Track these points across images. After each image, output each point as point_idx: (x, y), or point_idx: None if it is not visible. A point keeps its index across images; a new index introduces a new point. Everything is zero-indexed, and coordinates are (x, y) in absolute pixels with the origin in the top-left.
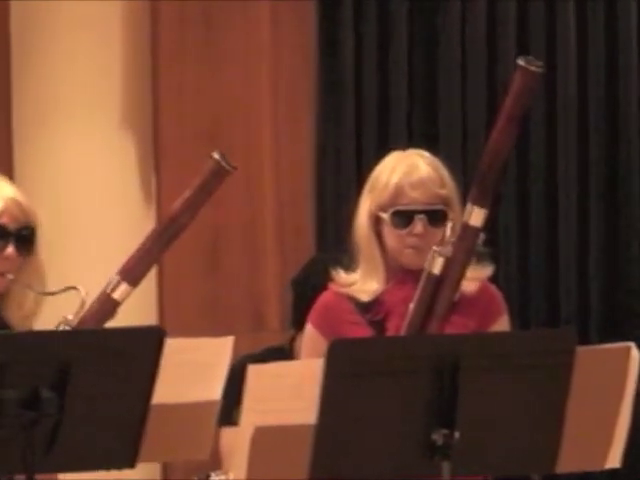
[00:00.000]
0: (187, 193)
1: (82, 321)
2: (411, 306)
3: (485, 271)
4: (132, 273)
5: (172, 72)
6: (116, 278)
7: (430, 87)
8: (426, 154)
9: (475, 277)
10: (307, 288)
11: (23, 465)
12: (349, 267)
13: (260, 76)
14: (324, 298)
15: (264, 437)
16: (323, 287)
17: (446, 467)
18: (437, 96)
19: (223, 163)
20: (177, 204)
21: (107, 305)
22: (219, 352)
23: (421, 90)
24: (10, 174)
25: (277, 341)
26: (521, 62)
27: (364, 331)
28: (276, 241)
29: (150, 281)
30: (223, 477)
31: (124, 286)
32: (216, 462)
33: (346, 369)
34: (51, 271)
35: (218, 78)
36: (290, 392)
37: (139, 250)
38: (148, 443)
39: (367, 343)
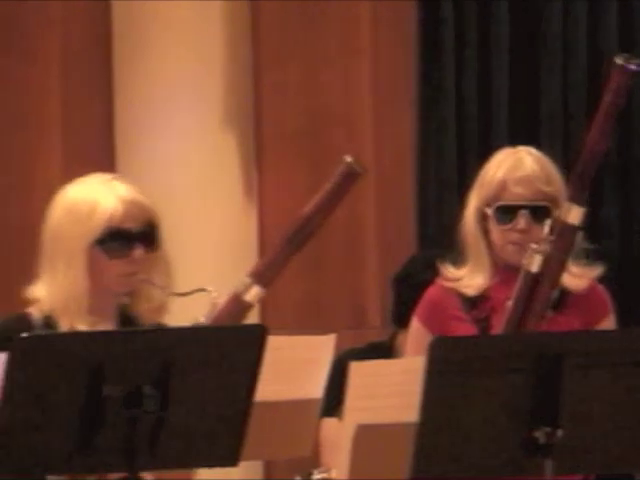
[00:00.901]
0: (319, 196)
1: (215, 322)
2: (509, 304)
3: (594, 270)
4: (264, 276)
5: (273, 71)
6: (247, 280)
7: (531, 86)
8: (534, 151)
9: (583, 275)
10: (408, 286)
11: (126, 463)
12: (454, 263)
13: (360, 74)
14: (431, 293)
15: (366, 435)
16: (424, 285)
17: (549, 465)
18: (538, 95)
19: (355, 166)
20: (309, 207)
21: (239, 307)
22: (321, 350)
23: (522, 89)
24: (113, 173)
25: (378, 338)
26: (618, 60)
27: (468, 328)
28: (377, 238)
29: None
30: (325, 475)
31: (256, 288)
32: (316, 453)
33: (448, 367)
34: None
35: (319, 76)
36: (392, 390)
37: (270, 253)
38: (250, 441)
39: (469, 341)
